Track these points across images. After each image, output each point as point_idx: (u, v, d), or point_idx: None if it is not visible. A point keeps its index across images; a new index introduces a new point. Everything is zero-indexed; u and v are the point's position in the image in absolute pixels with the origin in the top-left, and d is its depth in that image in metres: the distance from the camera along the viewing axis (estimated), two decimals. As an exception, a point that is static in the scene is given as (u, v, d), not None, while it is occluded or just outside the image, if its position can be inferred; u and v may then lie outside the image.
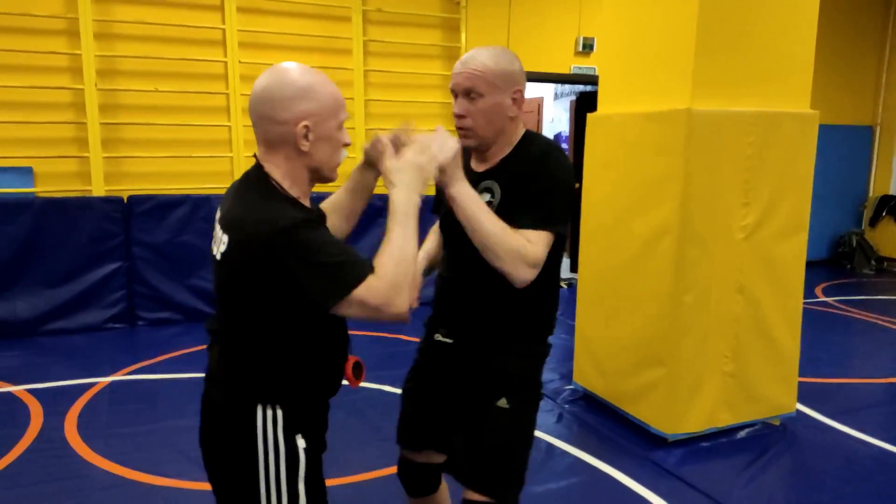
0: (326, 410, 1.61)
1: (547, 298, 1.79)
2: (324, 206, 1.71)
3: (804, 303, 3.47)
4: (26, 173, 4.97)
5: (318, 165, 1.43)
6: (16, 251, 4.81)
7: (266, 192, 1.38)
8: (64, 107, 5.01)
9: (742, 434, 3.36)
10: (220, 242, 1.40)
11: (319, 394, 1.54)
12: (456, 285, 1.81)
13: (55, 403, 3.60)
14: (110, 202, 5.07)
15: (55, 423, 3.36)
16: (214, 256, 1.43)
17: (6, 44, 4.78)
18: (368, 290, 1.29)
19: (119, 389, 3.87)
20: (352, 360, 1.62)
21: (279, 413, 1.43)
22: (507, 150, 1.73)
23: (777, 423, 3.49)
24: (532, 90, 8.95)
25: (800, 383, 3.52)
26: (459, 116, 1.69)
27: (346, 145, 1.47)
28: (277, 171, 1.41)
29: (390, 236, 1.36)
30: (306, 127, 1.37)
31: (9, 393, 3.76)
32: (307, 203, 1.47)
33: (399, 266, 1.32)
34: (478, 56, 1.67)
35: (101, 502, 2.67)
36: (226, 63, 5.39)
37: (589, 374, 3.70)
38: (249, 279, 1.33)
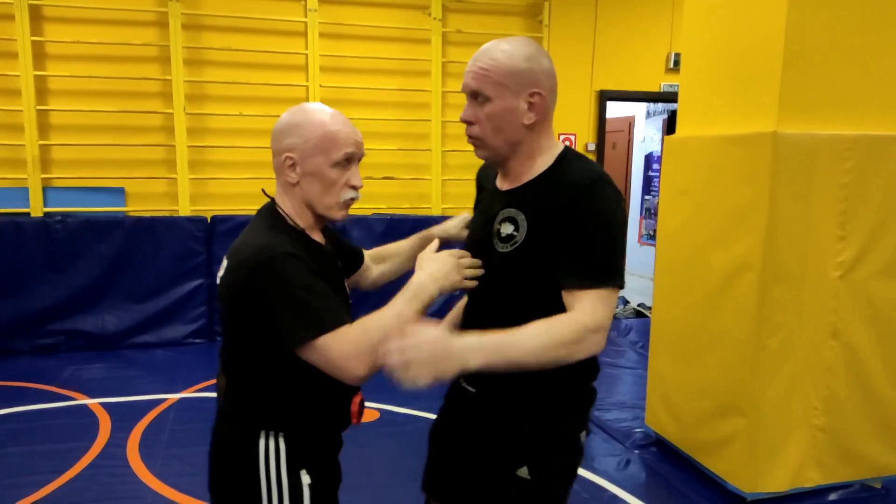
0: (337, 444, 1.56)
1: None
2: (387, 248, 1.81)
3: (914, 349, 3.05)
4: (118, 193, 5.24)
5: (309, 201, 1.44)
6: (106, 267, 5.06)
7: (271, 221, 1.42)
8: (154, 130, 5.25)
9: (834, 496, 2.99)
10: (222, 267, 1.44)
11: (325, 426, 1.49)
12: (475, 325, 1.52)
13: (123, 418, 3.71)
14: (195, 221, 5.25)
15: (120, 439, 3.45)
16: (217, 284, 1.46)
17: (105, 71, 5.07)
18: (336, 341, 1.26)
19: (186, 407, 3.94)
20: (359, 395, 1.54)
21: (282, 445, 1.39)
22: (535, 170, 1.45)
23: (878, 485, 3.07)
24: (623, 108, 8.63)
25: (908, 442, 3.09)
26: (467, 123, 1.46)
27: (353, 187, 1.45)
28: (283, 202, 1.47)
29: (390, 305, 1.34)
30: (290, 159, 1.41)
31: (84, 405, 3.91)
32: (317, 236, 1.49)
33: (380, 334, 1.26)
34: (490, 50, 1.42)
35: (147, 526, 2.69)
36: (307, 87, 5.48)
37: (662, 418, 3.42)
38: (242, 305, 1.33)
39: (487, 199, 1.59)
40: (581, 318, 1.31)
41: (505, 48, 1.41)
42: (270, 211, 1.46)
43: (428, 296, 1.37)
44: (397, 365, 1.18)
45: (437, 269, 1.40)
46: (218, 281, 1.44)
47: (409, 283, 1.38)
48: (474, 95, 1.43)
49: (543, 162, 1.45)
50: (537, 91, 1.41)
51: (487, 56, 1.41)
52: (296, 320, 1.27)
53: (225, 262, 1.42)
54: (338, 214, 1.46)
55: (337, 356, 1.26)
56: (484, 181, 1.68)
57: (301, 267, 1.30)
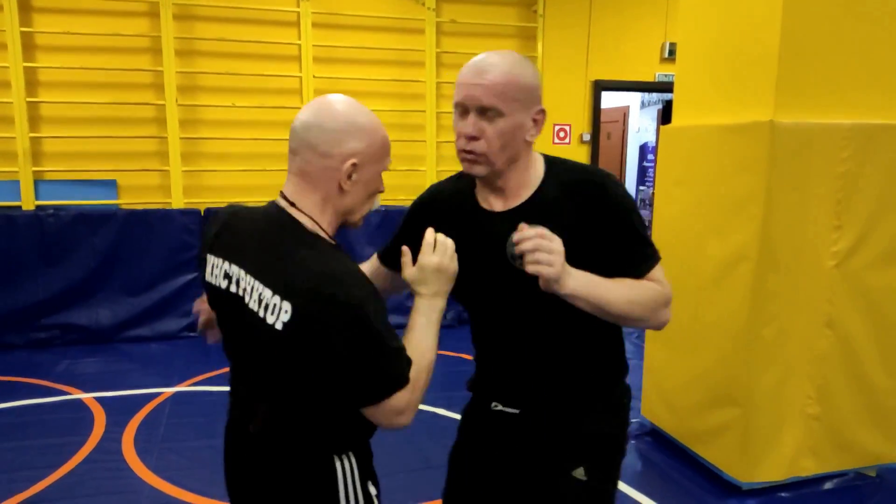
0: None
1: (613, 335, 1.54)
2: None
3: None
4: (111, 186, 5.20)
5: (350, 208, 1.30)
6: (100, 261, 5.03)
7: (309, 241, 1.23)
8: (146, 122, 5.21)
9: (829, 485, 3.00)
10: (277, 310, 1.17)
11: (370, 436, 1.45)
12: (510, 351, 1.53)
13: (118, 413, 3.69)
14: (188, 214, 5.22)
15: (115, 433, 3.44)
16: (265, 324, 1.19)
17: (96, 62, 5.02)
18: (400, 398, 1.21)
19: (182, 400, 3.93)
20: None
21: (353, 461, 1.35)
22: (532, 181, 1.42)
23: (873, 473, 3.09)
24: (617, 98, 8.62)
25: (902, 430, 3.11)
26: (471, 138, 1.35)
27: (380, 192, 1.35)
28: (308, 205, 1.26)
29: (415, 342, 1.28)
30: (354, 165, 1.24)
31: (78, 400, 3.90)
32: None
33: (423, 375, 1.26)
34: (499, 64, 1.33)
35: (143, 520, 2.68)
36: (300, 78, 5.44)
37: (657, 408, 3.42)
38: (321, 349, 1.17)
39: (473, 227, 1.46)
40: (655, 289, 1.41)
41: (512, 62, 1.35)
42: (295, 226, 1.25)
43: (439, 312, 1.33)
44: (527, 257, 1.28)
45: (431, 284, 1.32)
46: (279, 327, 1.17)
47: (417, 311, 1.31)
48: (483, 111, 1.33)
49: (536, 172, 1.43)
50: (542, 108, 1.40)
51: (499, 70, 1.33)
52: (373, 379, 1.19)
53: (284, 305, 1.16)
54: (362, 222, 1.37)
55: (393, 411, 1.21)
56: (443, 213, 1.52)
57: (382, 308, 1.19)
